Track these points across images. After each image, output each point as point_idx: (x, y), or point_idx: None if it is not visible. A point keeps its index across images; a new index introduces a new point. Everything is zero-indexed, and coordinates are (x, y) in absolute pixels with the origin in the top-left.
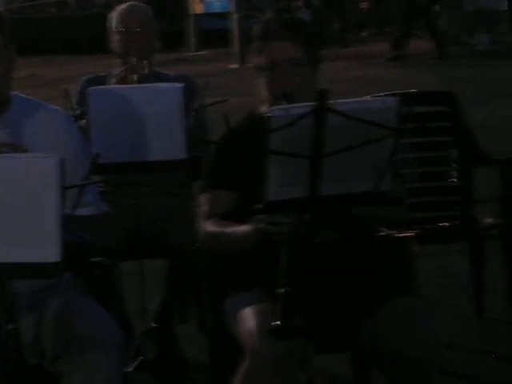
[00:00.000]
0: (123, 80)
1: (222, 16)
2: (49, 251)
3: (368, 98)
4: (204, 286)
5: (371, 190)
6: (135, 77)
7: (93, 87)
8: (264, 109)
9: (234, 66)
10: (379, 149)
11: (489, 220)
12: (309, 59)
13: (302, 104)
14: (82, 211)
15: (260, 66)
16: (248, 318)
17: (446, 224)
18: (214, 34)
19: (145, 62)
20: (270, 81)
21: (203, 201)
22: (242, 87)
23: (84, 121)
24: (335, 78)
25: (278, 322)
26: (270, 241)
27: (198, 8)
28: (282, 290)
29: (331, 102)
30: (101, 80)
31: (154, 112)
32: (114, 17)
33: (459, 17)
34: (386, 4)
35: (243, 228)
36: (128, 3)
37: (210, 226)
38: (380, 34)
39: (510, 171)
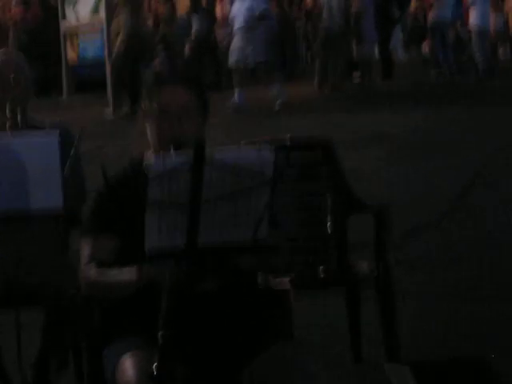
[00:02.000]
0: None
1: (97, 63)
2: None
3: (244, 145)
4: (82, 334)
5: (248, 238)
6: (8, 125)
7: None
8: (149, 156)
9: (109, 112)
10: (255, 197)
11: (364, 266)
12: (200, 106)
13: (180, 153)
14: None
15: (151, 112)
16: (127, 365)
17: (322, 270)
18: (88, 80)
19: (20, 109)
20: (162, 127)
21: (84, 248)
22: (116, 134)
23: None
24: (221, 123)
25: (155, 367)
26: (151, 288)
27: (72, 55)
28: (161, 334)
29: (208, 151)
30: None
31: (29, 161)
32: None
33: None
34: None
35: (125, 275)
36: (1, 53)
37: (90, 273)
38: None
39: (383, 218)
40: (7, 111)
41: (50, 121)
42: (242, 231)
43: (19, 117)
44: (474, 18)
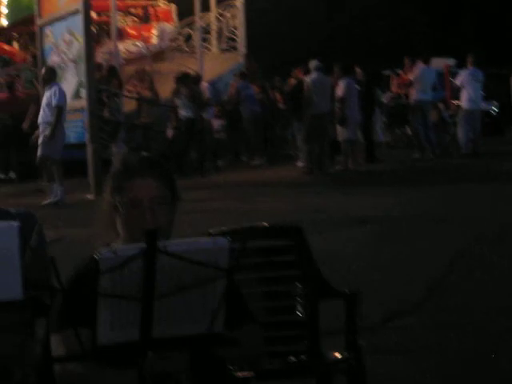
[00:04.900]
0: None
1: (79, 146)
2: None
3: (201, 236)
4: None
5: (204, 332)
6: None
7: None
8: (101, 248)
9: (90, 196)
10: (211, 289)
11: (335, 354)
12: (170, 196)
13: (132, 246)
14: None
15: (121, 205)
16: None
17: (293, 359)
18: (70, 164)
19: None
20: (132, 219)
21: (55, 341)
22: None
23: None
24: (196, 209)
25: None
26: None
27: None
28: None
29: (162, 241)
30: None
31: None
32: None
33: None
34: (241, 133)
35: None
36: None
37: (71, 368)
38: (235, 163)
39: (354, 303)
40: None
41: (16, 209)
42: (198, 324)
43: None
44: (464, 99)
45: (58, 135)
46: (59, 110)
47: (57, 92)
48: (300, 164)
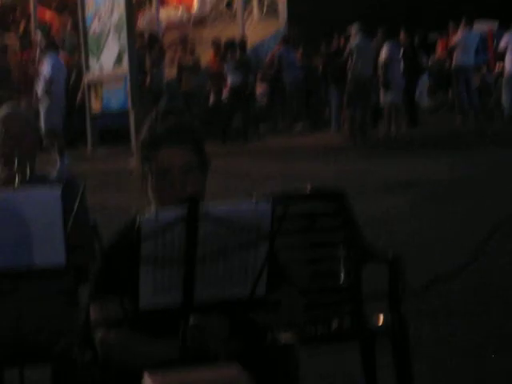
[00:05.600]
0: (5, 184)
1: (121, 114)
2: None
3: (242, 199)
4: None
5: (246, 296)
6: (17, 181)
7: None
8: (144, 212)
9: (132, 163)
10: (253, 254)
11: (379, 318)
12: (199, 164)
13: (174, 211)
14: None
15: (150, 173)
16: None
17: (336, 324)
18: (112, 132)
19: (28, 162)
20: (162, 188)
21: (95, 309)
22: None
23: None
24: (238, 175)
25: None
26: None
27: (96, 106)
28: None
29: (203, 207)
30: None
31: (32, 217)
32: None
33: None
34: (283, 99)
35: (162, 347)
36: (9, 108)
37: (110, 337)
38: (275, 129)
39: (397, 268)
40: (15, 164)
41: (57, 175)
42: (240, 288)
43: (28, 170)
44: (508, 62)
45: (51, 107)
46: (49, 82)
47: (50, 64)
48: (334, 130)
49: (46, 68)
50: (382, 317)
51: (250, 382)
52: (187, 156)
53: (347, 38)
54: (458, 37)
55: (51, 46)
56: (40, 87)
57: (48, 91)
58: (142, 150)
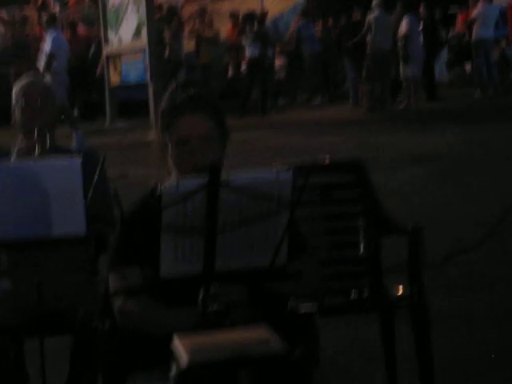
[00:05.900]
0: (25, 154)
1: (140, 87)
2: None
3: (262, 168)
4: (105, 364)
5: (266, 265)
6: (37, 151)
7: None
8: (165, 181)
9: (152, 136)
10: (274, 223)
11: (398, 290)
12: (219, 133)
13: (195, 180)
14: None
15: (170, 142)
16: None
17: (355, 294)
18: (131, 104)
19: (48, 133)
20: (182, 157)
21: (114, 277)
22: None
23: None
24: (258, 147)
25: None
26: None
27: (114, 79)
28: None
29: (224, 176)
30: (4, 154)
31: (53, 187)
32: (15, 92)
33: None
34: (301, 72)
35: (183, 316)
36: (29, 78)
37: (128, 305)
38: (294, 102)
39: (417, 239)
40: (35, 135)
41: (76, 146)
42: (261, 257)
43: (47, 141)
44: None
45: (54, 83)
46: (50, 58)
47: (50, 39)
48: (352, 103)
49: (46, 44)
50: (401, 288)
51: (280, 342)
52: (207, 124)
53: (365, 12)
54: (477, 10)
55: (51, 21)
56: (41, 63)
57: (49, 67)
58: (162, 119)
